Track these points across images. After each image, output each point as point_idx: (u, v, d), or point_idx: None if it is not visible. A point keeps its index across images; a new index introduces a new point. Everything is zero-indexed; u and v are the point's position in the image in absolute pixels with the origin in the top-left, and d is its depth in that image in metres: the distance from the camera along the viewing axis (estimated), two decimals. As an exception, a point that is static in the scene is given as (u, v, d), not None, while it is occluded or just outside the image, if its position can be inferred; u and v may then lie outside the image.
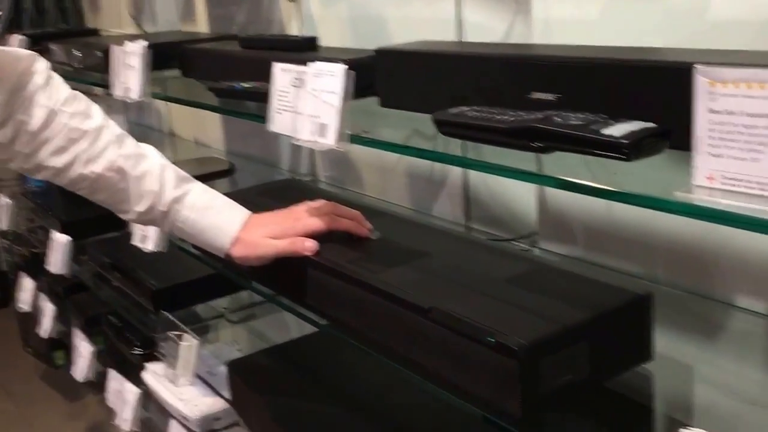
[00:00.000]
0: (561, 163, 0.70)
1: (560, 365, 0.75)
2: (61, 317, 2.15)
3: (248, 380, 1.29)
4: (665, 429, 0.75)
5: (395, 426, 1.09)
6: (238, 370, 1.31)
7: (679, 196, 0.56)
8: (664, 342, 0.82)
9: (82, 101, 1.03)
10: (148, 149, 1.06)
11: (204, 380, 1.44)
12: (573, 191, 0.66)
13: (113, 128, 1.04)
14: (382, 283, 0.90)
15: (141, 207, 1.02)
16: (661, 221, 0.97)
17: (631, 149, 0.63)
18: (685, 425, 0.72)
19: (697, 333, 0.90)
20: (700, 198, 0.55)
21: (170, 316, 1.43)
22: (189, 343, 1.38)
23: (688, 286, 0.96)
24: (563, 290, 0.85)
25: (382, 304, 0.89)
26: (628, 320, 0.81)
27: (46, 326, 2.17)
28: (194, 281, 1.51)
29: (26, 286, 2.29)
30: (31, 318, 2.28)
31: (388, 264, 0.96)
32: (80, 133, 1.00)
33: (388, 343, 0.90)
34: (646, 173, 0.64)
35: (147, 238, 1.32)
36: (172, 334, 1.39)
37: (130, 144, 1.04)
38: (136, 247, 1.41)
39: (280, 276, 1.08)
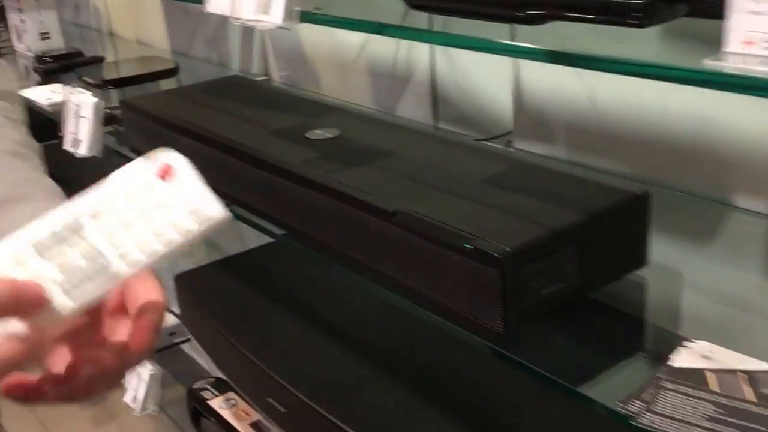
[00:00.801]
0: (551, 35, 0.59)
1: (547, 274, 0.66)
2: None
3: (195, 294, 1.18)
4: (661, 341, 0.67)
5: (355, 340, 1.00)
6: (185, 283, 1.21)
7: (710, 64, 0.45)
8: (658, 247, 0.73)
9: None
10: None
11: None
12: (575, 65, 0.55)
13: None
14: (341, 184, 0.80)
15: None
16: (653, 115, 0.87)
17: (644, 12, 0.51)
18: (681, 338, 0.64)
19: (693, 236, 0.81)
20: (737, 66, 0.44)
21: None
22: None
23: (683, 186, 0.87)
24: (548, 191, 0.75)
25: (343, 208, 0.79)
26: (622, 222, 0.71)
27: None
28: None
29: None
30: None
31: (349, 164, 0.85)
32: None
33: (351, 252, 0.80)
34: (659, 45, 0.54)
35: (79, 143, 1.18)
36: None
37: None
38: (70, 155, 1.27)
39: (232, 182, 0.96)
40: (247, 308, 1.13)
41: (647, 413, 0.57)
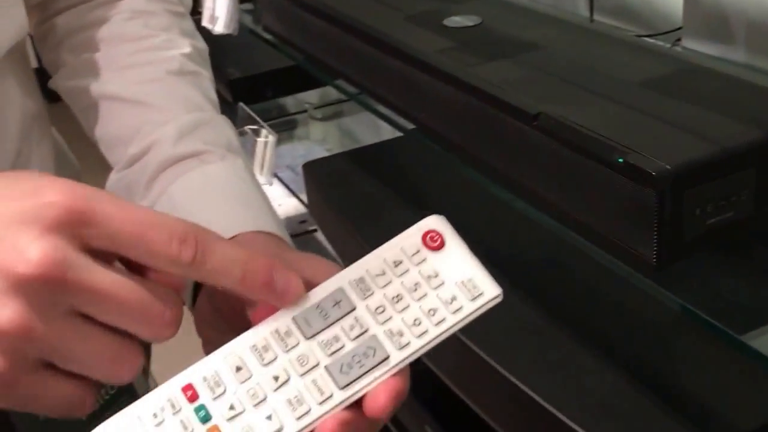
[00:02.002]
0: None
1: (715, 200, 0.56)
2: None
3: (322, 183, 1.14)
4: None
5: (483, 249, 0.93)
6: (314, 171, 1.17)
7: None
8: None
9: None
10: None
11: (282, 181, 1.31)
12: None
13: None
14: (479, 79, 0.71)
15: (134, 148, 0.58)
16: None
17: None
18: None
19: None
20: None
21: (248, 109, 1.28)
22: (265, 139, 1.23)
23: None
24: (722, 101, 0.63)
25: (480, 106, 0.70)
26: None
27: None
28: (274, 72, 1.34)
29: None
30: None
31: (488, 57, 0.76)
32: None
33: (485, 156, 0.72)
34: None
35: (216, 19, 1.14)
36: (249, 128, 1.24)
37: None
38: (208, 32, 1.24)
39: (364, 70, 0.90)
40: (371, 202, 1.08)
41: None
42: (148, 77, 0.58)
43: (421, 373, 0.85)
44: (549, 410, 0.65)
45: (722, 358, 0.65)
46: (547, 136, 0.63)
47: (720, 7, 0.87)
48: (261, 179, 1.29)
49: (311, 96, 1.55)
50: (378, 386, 0.36)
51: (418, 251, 0.38)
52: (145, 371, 0.65)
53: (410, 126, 0.85)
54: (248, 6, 1.31)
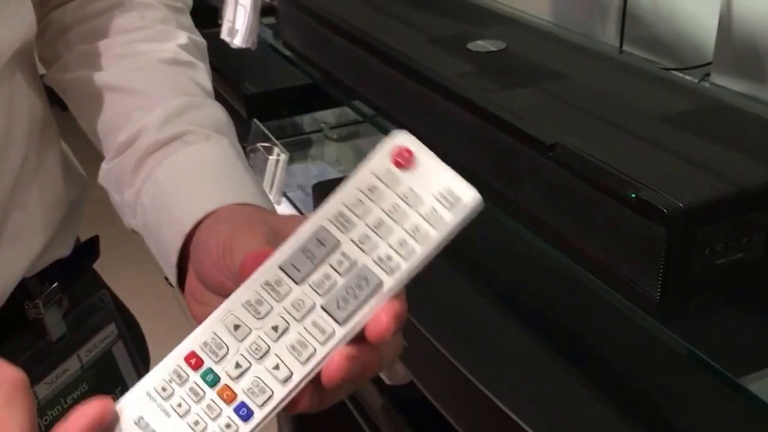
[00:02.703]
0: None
1: (725, 240, 0.54)
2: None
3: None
4: None
5: (486, 281, 0.92)
6: (323, 192, 1.16)
7: None
8: None
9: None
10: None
11: (291, 201, 1.30)
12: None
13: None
14: (497, 107, 0.70)
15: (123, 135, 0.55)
16: None
17: None
18: None
19: None
20: None
21: (261, 126, 1.28)
22: (276, 158, 1.22)
23: None
24: (744, 140, 0.62)
25: (496, 133, 0.69)
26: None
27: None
28: (291, 89, 1.34)
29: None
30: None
31: (510, 84, 0.75)
32: None
33: (498, 184, 0.71)
34: None
35: (235, 32, 1.14)
36: (261, 145, 1.24)
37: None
38: (226, 45, 1.24)
39: (383, 91, 0.89)
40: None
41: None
42: (139, 66, 0.57)
43: (419, 403, 0.84)
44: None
45: (721, 399, 0.63)
46: (561, 167, 0.62)
47: (752, 44, 0.85)
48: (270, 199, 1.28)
49: (328, 115, 1.54)
50: (377, 312, 0.36)
51: (389, 172, 0.37)
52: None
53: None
54: (270, 20, 1.31)
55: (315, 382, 0.37)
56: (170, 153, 0.51)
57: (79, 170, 0.65)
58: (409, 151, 0.37)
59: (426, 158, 0.37)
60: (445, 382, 0.78)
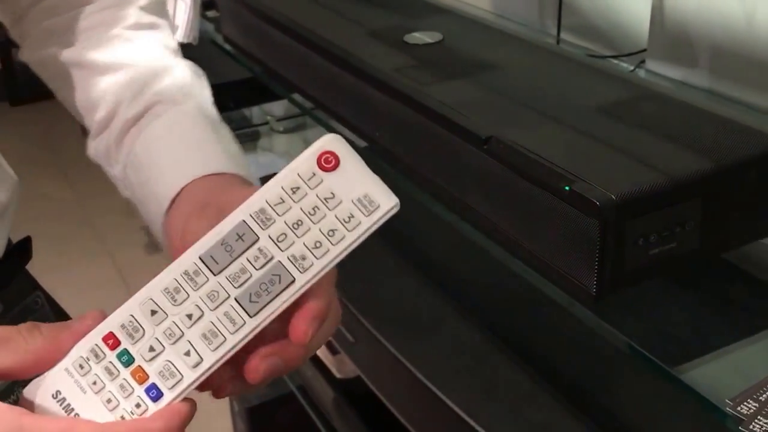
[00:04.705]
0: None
1: (658, 231, 0.55)
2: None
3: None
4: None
5: (429, 273, 0.92)
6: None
7: None
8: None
9: None
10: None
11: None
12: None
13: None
14: (432, 100, 0.70)
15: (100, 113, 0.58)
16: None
17: None
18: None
19: None
20: None
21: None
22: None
23: None
24: (678, 129, 0.62)
25: (432, 126, 0.69)
26: (764, 177, 0.58)
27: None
28: (236, 82, 1.32)
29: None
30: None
31: (446, 76, 0.75)
32: None
33: (436, 178, 0.71)
34: None
35: (175, 28, 1.12)
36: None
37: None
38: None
39: (320, 85, 0.88)
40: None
41: (762, 420, 0.46)
42: (104, 38, 0.58)
43: (370, 397, 0.84)
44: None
45: (659, 389, 0.64)
46: (496, 160, 0.62)
47: (685, 31, 0.86)
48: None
49: (276, 107, 1.54)
50: (297, 315, 0.38)
51: (314, 174, 0.39)
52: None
53: (362, 144, 0.83)
54: (214, 13, 1.29)
55: (237, 369, 0.39)
56: (144, 127, 0.54)
57: (9, 172, 0.64)
58: (335, 155, 0.39)
59: (351, 163, 0.39)
60: (391, 376, 0.78)
